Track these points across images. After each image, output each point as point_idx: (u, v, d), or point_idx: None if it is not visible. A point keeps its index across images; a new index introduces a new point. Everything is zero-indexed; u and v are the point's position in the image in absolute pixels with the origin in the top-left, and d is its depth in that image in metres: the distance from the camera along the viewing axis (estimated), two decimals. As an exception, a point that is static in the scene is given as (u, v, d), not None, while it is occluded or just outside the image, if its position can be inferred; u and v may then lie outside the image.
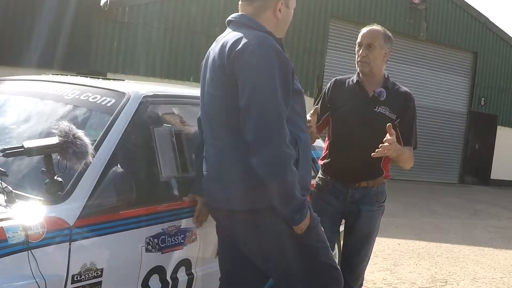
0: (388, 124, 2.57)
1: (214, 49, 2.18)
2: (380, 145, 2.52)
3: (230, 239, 2.30)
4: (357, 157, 2.74)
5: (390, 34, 2.88)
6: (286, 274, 2.22)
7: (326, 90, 2.97)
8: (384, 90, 2.80)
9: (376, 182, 2.84)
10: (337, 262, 3.53)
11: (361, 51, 2.82)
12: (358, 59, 2.84)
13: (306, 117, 2.28)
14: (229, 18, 2.26)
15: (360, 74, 2.87)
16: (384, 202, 2.92)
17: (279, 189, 1.99)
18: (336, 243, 3.42)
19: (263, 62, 1.99)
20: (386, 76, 2.89)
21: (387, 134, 2.54)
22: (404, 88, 2.92)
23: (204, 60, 2.29)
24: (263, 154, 1.94)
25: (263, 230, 2.13)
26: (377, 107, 2.78)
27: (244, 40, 2.03)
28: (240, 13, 2.24)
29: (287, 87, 2.05)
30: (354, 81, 2.88)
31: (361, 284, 3.02)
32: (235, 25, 2.20)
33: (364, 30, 2.87)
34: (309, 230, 2.15)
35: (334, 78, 3.02)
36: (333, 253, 3.48)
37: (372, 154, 2.53)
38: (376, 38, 2.80)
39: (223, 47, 2.09)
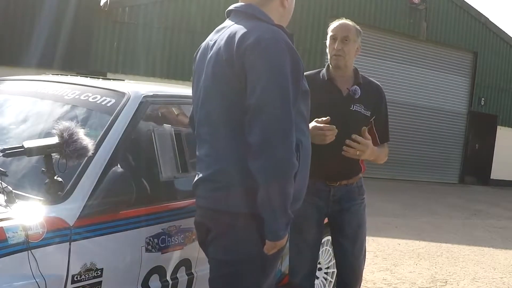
0: (363, 128, 2.56)
1: (217, 40, 1.99)
2: (350, 142, 2.52)
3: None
4: (337, 157, 2.65)
5: (359, 28, 2.81)
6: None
7: None
8: (358, 87, 2.76)
9: (356, 179, 2.84)
10: (334, 262, 3.53)
11: (336, 44, 2.74)
12: (333, 52, 2.75)
13: (309, 120, 2.17)
14: (231, 7, 2.07)
15: (331, 69, 2.80)
16: (364, 196, 2.89)
17: (276, 198, 1.82)
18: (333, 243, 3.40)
19: (276, 59, 1.83)
20: (356, 70, 2.83)
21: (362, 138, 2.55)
22: (375, 82, 2.87)
23: (199, 52, 2.13)
24: (267, 159, 1.79)
25: (250, 236, 1.94)
26: (352, 105, 2.73)
27: (255, 34, 1.85)
28: (245, 2, 2.06)
29: (297, 87, 1.90)
30: (326, 78, 2.80)
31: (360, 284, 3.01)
32: (240, 15, 2.02)
33: (336, 23, 2.79)
34: (277, 254, 1.98)
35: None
36: (331, 258, 3.48)
37: (343, 152, 2.54)
38: (350, 32, 2.74)
39: (230, 38, 1.90)
